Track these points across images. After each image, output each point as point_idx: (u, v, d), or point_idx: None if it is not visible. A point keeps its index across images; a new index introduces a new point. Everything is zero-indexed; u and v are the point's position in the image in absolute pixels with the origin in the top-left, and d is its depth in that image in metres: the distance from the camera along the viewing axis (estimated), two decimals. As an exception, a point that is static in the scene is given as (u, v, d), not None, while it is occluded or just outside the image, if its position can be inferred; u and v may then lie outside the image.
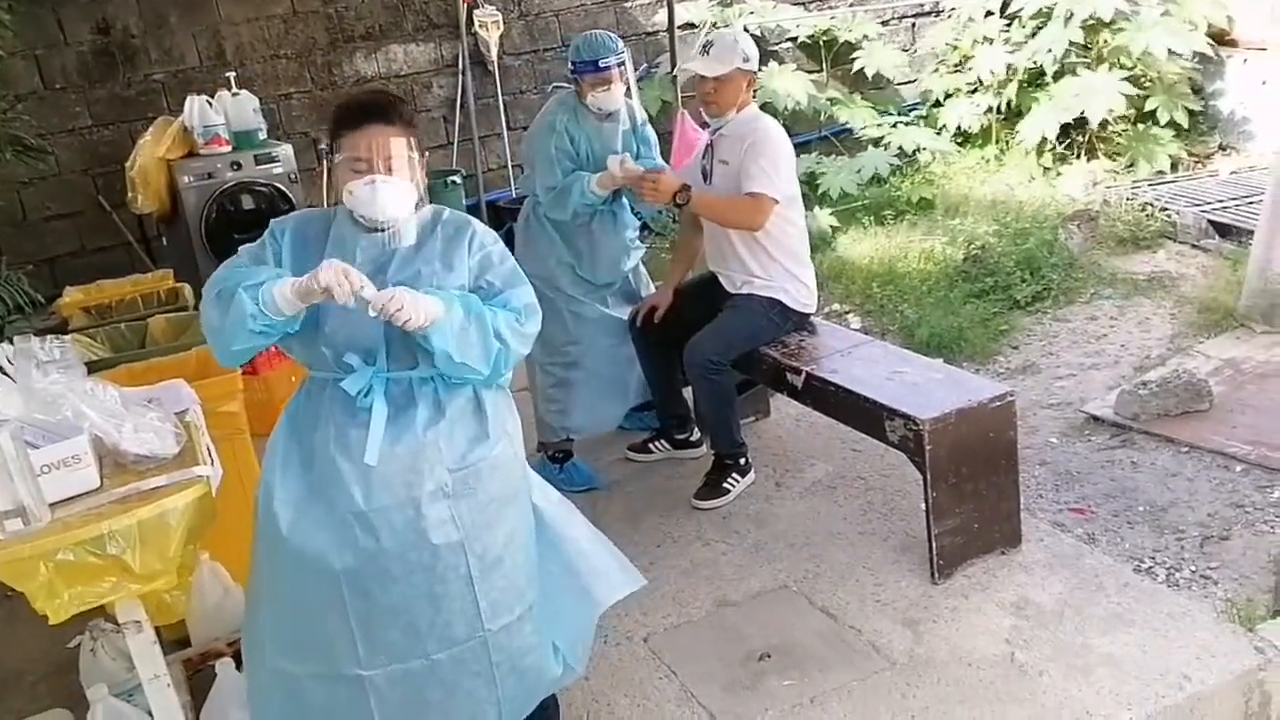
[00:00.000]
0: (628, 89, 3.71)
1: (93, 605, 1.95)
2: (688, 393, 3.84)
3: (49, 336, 2.40)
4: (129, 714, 2.33)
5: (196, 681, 2.69)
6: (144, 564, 1.93)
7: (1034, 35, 6.88)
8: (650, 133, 3.89)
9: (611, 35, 3.68)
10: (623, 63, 3.63)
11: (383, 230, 2.08)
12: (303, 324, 2.06)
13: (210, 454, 2.31)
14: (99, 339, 3.47)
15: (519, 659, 2.23)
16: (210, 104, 5.37)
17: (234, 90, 5.52)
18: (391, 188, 2.05)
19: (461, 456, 2.12)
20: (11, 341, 2.31)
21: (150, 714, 2.15)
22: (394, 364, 2.11)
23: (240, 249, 2.18)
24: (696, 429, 3.96)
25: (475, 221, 2.24)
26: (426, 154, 2.19)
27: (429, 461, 2.09)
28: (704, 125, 3.83)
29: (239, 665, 2.55)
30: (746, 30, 6.97)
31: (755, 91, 3.75)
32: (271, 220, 2.22)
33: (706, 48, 3.56)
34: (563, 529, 2.35)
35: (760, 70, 7.04)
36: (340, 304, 1.95)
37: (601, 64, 3.57)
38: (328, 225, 2.18)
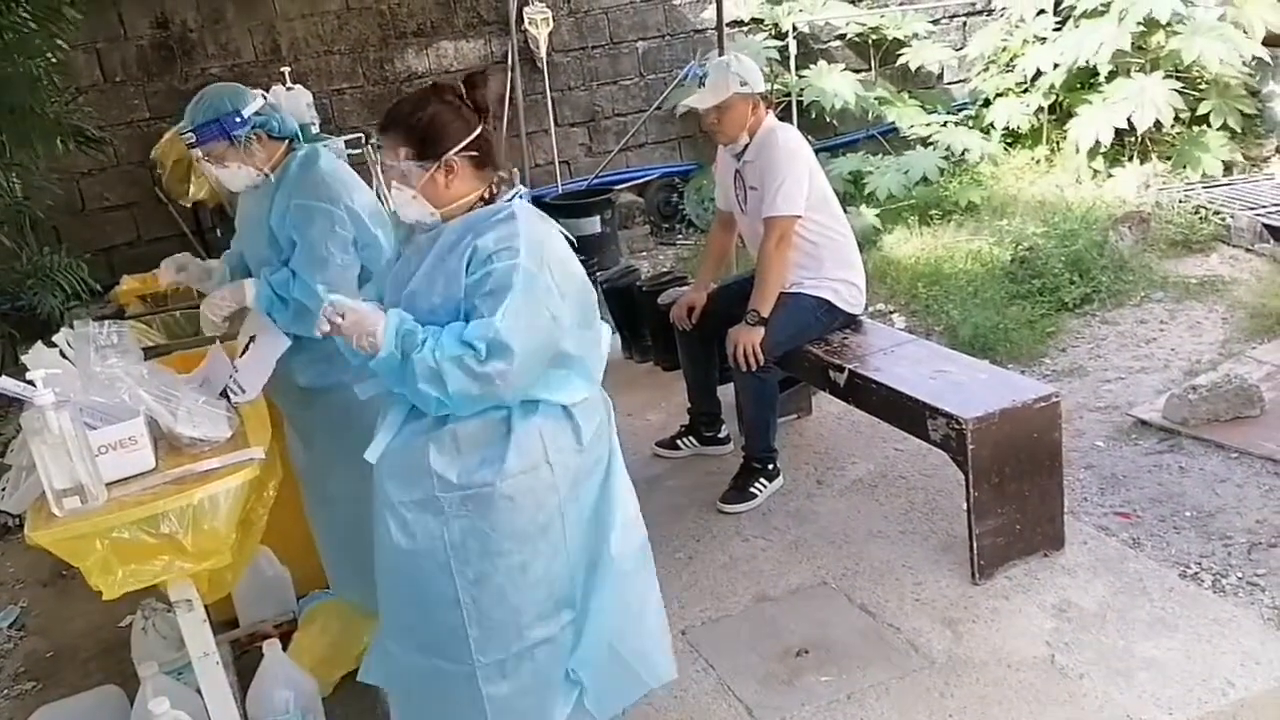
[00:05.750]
0: (276, 169, 2.77)
1: (146, 583, 2.00)
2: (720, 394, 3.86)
3: (106, 322, 2.47)
4: (179, 691, 2.37)
5: (244, 662, 2.76)
6: (197, 544, 1.98)
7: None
8: (295, 226, 2.66)
9: (222, 91, 2.72)
10: (226, 135, 2.66)
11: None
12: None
13: None
14: (154, 326, 3.55)
15: (515, 699, 2.11)
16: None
17: (288, 85, 5.60)
18: (399, 195, 2.07)
19: (461, 475, 2.01)
20: (71, 326, 2.38)
21: (199, 692, 2.20)
22: None
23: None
24: (723, 427, 3.98)
25: (495, 233, 1.99)
26: (444, 156, 2.02)
27: (415, 470, 2.03)
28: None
29: (285, 646, 2.61)
30: (795, 28, 7.05)
31: (770, 109, 3.71)
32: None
33: (702, 80, 3.58)
34: (626, 588, 2.18)
35: (809, 69, 7.11)
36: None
37: (184, 134, 2.68)
38: None
